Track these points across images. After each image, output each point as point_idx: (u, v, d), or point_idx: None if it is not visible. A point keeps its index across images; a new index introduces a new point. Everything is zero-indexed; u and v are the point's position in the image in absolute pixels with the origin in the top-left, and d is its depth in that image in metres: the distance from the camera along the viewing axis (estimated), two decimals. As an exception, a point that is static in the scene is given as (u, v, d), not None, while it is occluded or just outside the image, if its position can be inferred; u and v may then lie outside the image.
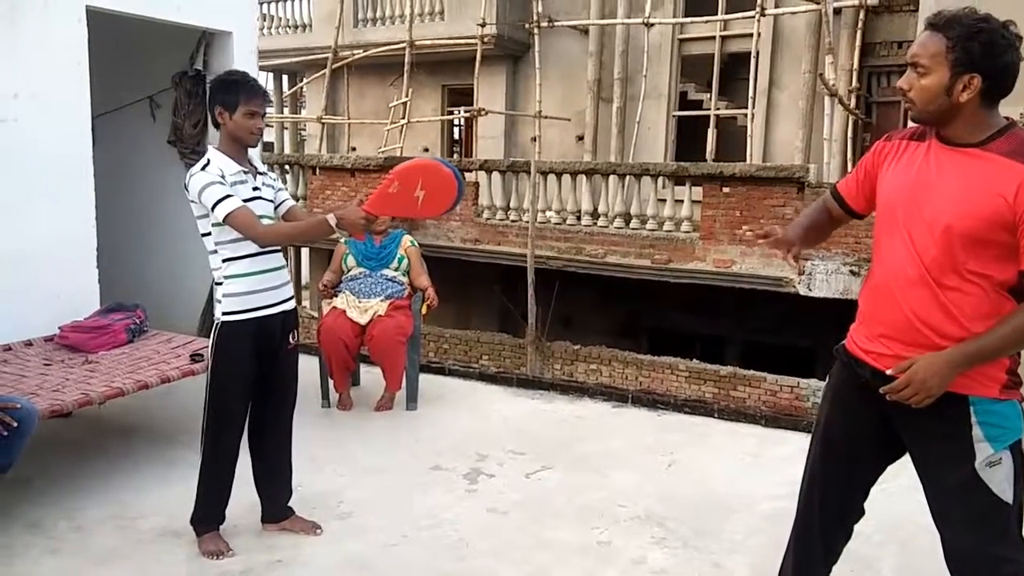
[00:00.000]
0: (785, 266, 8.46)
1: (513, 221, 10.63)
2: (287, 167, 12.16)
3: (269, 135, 18.66)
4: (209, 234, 2.75)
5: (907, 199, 1.89)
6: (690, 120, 12.80)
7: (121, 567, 2.77)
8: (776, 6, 10.96)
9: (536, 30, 10.86)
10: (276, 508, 3.03)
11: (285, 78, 18.19)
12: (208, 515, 2.88)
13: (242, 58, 4.98)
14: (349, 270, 4.69)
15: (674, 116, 12.93)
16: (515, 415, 4.55)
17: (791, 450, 3.81)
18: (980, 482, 1.85)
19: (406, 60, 12.99)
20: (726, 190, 8.91)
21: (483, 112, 12.44)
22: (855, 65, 11.59)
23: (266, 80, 18.19)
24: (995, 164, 1.77)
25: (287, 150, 17.73)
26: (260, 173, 2.87)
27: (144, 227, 5.41)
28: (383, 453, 3.88)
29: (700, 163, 9.95)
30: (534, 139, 10.56)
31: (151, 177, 5.39)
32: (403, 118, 13.06)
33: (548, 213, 10.28)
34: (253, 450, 2.98)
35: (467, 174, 11.18)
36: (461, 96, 15.09)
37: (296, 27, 16.65)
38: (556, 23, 11.48)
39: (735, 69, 12.44)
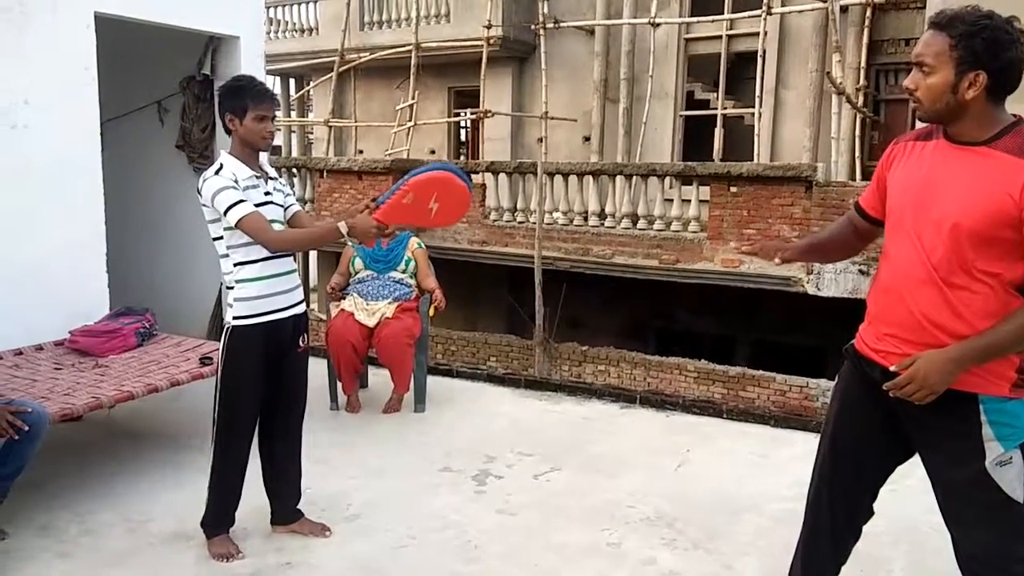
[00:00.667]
0: (793, 266, 8.43)
1: (520, 222, 10.63)
2: (295, 170, 12.19)
3: (277, 139, 18.73)
4: (220, 238, 2.76)
5: (914, 199, 1.88)
6: (697, 120, 12.77)
7: (131, 570, 2.79)
8: (783, 5, 10.93)
9: (542, 31, 10.85)
10: (285, 510, 3.03)
11: (292, 82, 18.27)
12: (218, 518, 2.89)
13: (249, 62, 5.00)
14: (357, 272, 4.70)
15: (681, 116, 12.91)
16: (523, 416, 4.55)
17: (800, 450, 3.80)
18: (990, 481, 1.84)
19: (412, 62, 13.01)
20: (733, 190, 8.88)
21: (489, 114, 12.45)
22: (863, 63, 11.54)
23: (273, 84, 18.28)
24: (1002, 162, 1.76)
25: (295, 153, 17.79)
26: (271, 178, 2.88)
27: (153, 231, 5.44)
28: (391, 455, 3.89)
29: (707, 163, 9.93)
30: (540, 140, 10.56)
31: (160, 182, 5.42)
32: (410, 120, 13.08)
33: (555, 214, 10.27)
34: (263, 453, 2.99)
35: (474, 176, 11.19)
36: (467, 98, 15.10)
37: (303, 31, 16.70)
38: (562, 24, 11.47)
39: (742, 68, 12.41)
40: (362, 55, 14.16)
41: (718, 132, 11.13)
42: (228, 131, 2.78)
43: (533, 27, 11.53)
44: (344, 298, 4.65)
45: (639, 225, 9.70)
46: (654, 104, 12.03)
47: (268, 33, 15.82)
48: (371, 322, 4.46)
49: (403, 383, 4.51)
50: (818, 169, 8.78)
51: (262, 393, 2.87)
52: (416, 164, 10.49)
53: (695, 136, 12.75)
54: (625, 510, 3.28)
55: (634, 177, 9.80)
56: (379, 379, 4.84)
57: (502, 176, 10.78)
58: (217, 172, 2.72)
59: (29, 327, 3.91)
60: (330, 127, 14.30)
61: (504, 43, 13.41)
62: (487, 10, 12.36)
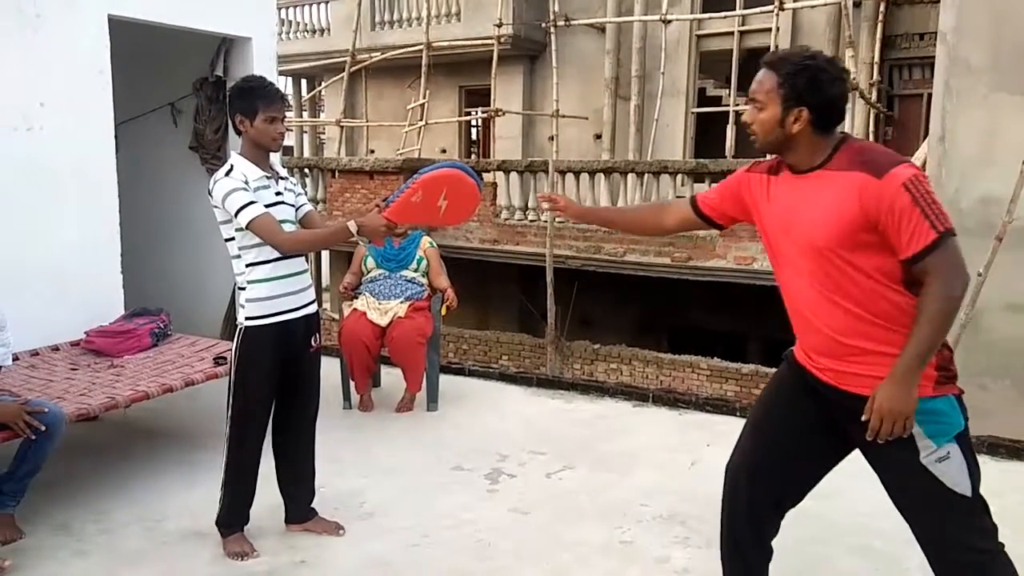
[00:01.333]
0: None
1: (532, 221, 10.63)
2: (307, 170, 12.24)
3: (289, 139, 18.82)
4: (232, 239, 2.77)
5: (779, 233, 2.03)
6: (709, 117, 12.73)
7: (147, 568, 2.81)
8: (795, 0, 10.86)
9: (553, 29, 10.83)
10: (299, 509, 3.05)
11: (304, 82, 18.33)
12: (232, 517, 2.90)
13: (261, 63, 5.02)
14: (369, 272, 4.72)
15: (692, 113, 12.87)
16: (535, 415, 4.55)
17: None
18: (932, 477, 1.90)
19: (423, 62, 13.03)
20: (746, 187, 8.83)
21: (500, 112, 12.45)
22: (876, 58, 11.46)
23: (285, 84, 18.35)
24: (837, 179, 1.90)
25: (306, 153, 17.86)
26: (282, 178, 2.89)
27: (167, 232, 5.47)
28: (404, 454, 3.90)
29: (719, 160, 9.90)
30: (552, 138, 10.54)
31: (174, 183, 5.46)
32: (421, 120, 13.10)
33: (566, 213, 10.25)
34: (277, 452, 3.01)
35: (485, 175, 11.19)
36: (478, 97, 15.11)
37: (314, 31, 16.76)
38: (573, 22, 11.44)
39: (754, 64, 12.27)
40: (373, 55, 14.19)
41: (730, 129, 11.08)
42: (239, 132, 2.79)
43: (544, 25, 11.51)
44: (356, 297, 4.66)
45: (651, 223, 9.67)
46: (665, 101, 11.99)
47: (280, 34, 15.88)
48: (383, 321, 4.47)
49: (416, 382, 4.52)
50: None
51: (275, 393, 2.88)
52: (427, 163, 10.51)
53: (707, 133, 12.70)
54: (638, 508, 3.28)
55: (646, 175, 9.78)
56: (392, 378, 4.86)
57: (513, 175, 10.78)
58: (227, 174, 2.73)
59: (45, 328, 3.95)
60: (342, 127, 14.34)
61: (515, 41, 13.41)
62: (498, 9, 12.36)
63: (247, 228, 2.67)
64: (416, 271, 4.68)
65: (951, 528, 1.93)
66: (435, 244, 4.88)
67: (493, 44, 12.31)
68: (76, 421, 3.13)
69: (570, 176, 10.29)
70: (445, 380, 4.84)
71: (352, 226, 2.64)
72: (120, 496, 3.35)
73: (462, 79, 15.16)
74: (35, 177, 4.00)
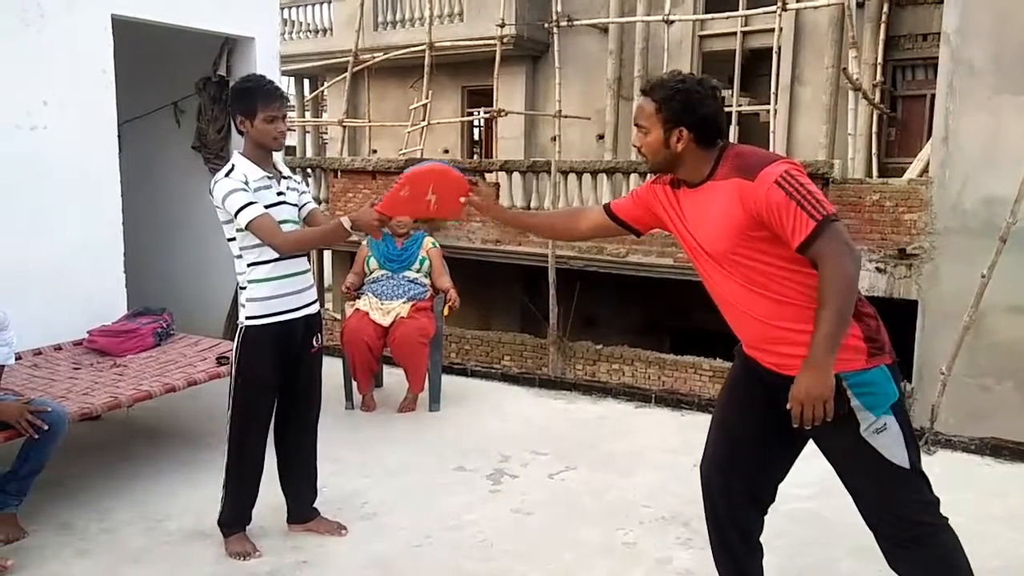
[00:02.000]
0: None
1: (534, 221, 10.62)
2: (309, 170, 12.25)
3: (291, 139, 18.84)
4: (233, 239, 2.77)
5: (689, 244, 2.17)
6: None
7: (150, 568, 2.81)
8: (798, 0, 10.85)
9: (555, 29, 10.83)
10: (302, 509, 3.05)
11: (307, 82, 18.35)
12: (235, 516, 2.91)
13: (265, 63, 5.03)
14: (371, 272, 4.72)
15: (695, 113, 12.84)
16: (538, 415, 4.55)
17: (815, 449, 3.76)
18: (871, 449, 1.97)
19: (426, 62, 13.03)
20: (749, 187, 8.82)
21: (503, 113, 12.45)
22: (879, 59, 11.45)
23: (288, 84, 18.37)
24: (722, 188, 2.03)
25: (309, 153, 17.87)
26: (284, 177, 2.89)
27: (170, 232, 5.48)
28: (407, 454, 3.90)
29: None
30: (554, 139, 10.54)
31: (176, 182, 5.46)
32: (423, 120, 13.10)
33: (569, 213, 10.25)
34: (279, 452, 3.01)
35: (487, 175, 11.20)
36: (481, 97, 15.12)
37: (317, 31, 16.78)
38: (575, 22, 11.44)
39: (757, 65, 12.34)
40: (376, 55, 14.20)
41: (733, 129, 11.07)
42: (240, 132, 2.79)
43: (546, 25, 11.51)
44: (359, 298, 4.67)
45: (653, 223, 9.67)
46: (668, 102, 11.97)
47: (282, 34, 15.89)
48: (386, 321, 4.47)
49: (418, 382, 4.52)
50: (834, 166, 8.71)
51: (277, 393, 2.88)
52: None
53: (710, 134, 12.68)
54: (640, 509, 3.27)
55: (648, 176, 9.77)
56: (394, 378, 4.86)
57: (516, 175, 10.78)
58: (228, 174, 2.73)
59: (48, 327, 3.95)
60: (344, 127, 14.34)
61: (517, 42, 13.41)
62: (500, 9, 12.36)
63: (246, 229, 2.67)
64: (419, 271, 4.68)
65: (891, 501, 2.00)
66: (438, 244, 4.88)
67: (496, 44, 12.31)
68: (79, 420, 3.14)
69: (572, 176, 10.28)
70: (447, 380, 4.84)
71: (346, 222, 2.66)
72: (122, 495, 3.35)
73: (465, 79, 15.17)
74: (38, 176, 4.00)
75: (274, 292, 2.78)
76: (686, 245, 2.20)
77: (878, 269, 8.27)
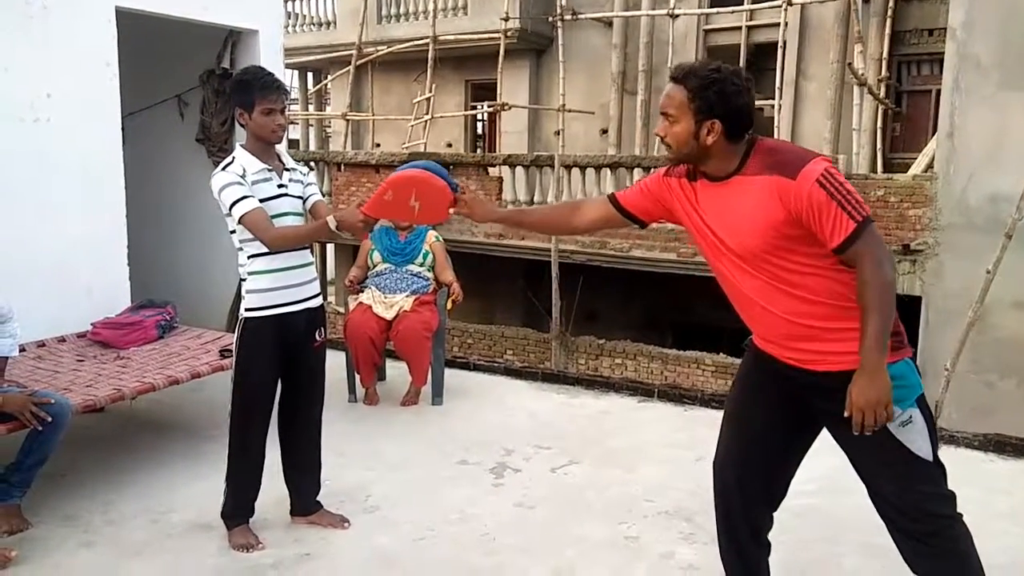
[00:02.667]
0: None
1: (537, 216, 10.60)
2: (312, 164, 12.24)
3: (295, 132, 18.83)
4: (234, 231, 2.77)
5: (707, 240, 2.10)
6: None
7: (153, 560, 2.82)
8: (803, -5, 10.81)
9: (560, 23, 10.81)
10: (305, 502, 3.05)
11: (310, 75, 18.33)
12: (237, 509, 2.91)
13: (268, 56, 5.02)
14: (375, 266, 4.71)
15: (699, 108, 12.82)
16: (540, 410, 4.55)
17: (818, 445, 3.76)
18: (897, 442, 1.94)
19: (430, 55, 13.01)
20: (753, 182, 8.80)
21: (506, 107, 12.43)
22: (885, 54, 11.40)
23: (291, 78, 18.35)
24: (755, 184, 1.97)
25: (312, 147, 17.86)
26: (288, 169, 2.88)
27: (174, 224, 5.48)
28: (409, 448, 3.90)
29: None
30: (558, 133, 10.53)
31: (180, 175, 5.46)
32: (427, 113, 13.09)
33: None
34: (283, 445, 3.01)
35: (491, 169, 11.18)
36: (484, 91, 15.09)
37: (321, 24, 16.76)
38: (580, 16, 11.42)
39: (762, 59, 12.29)
40: (379, 48, 14.18)
41: (737, 124, 11.03)
42: (240, 125, 2.79)
43: (551, 19, 11.49)
44: (362, 291, 4.67)
45: (657, 218, 9.65)
46: (672, 96, 11.94)
47: (286, 27, 15.86)
48: (389, 315, 4.47)
49: (421, 376, 4.52)
50: (839, 161, 8.69)
51: (277, 385, 2.88)
52: (431, 157, 10.50)
53: (714, 128, 12.65)
54: (643, 504, 3.27)
55: (652, 170, 9.75)
56: (397, 372, 4.86)
57: (519, 169, 10.76)
58: (225, 167, 2.73)
59: (51, 319, 3.96)
60: (347, 120, 14.34)
61: (521, 35, 13.38)
62: (504, 2, 12.33)
63: (240, 222, 2.67)
64: (422, 265, 4.68)
65: (912, 493, 1.98)
66: (441, 238, 4.87)
67: (500, 38, 12.29)
68: (82, 412, 3.14)
69: (576, 171, 10.27)
70: (450, 374, 4.84)
71: (331, 221, 2.65)
72: (126, 487, 3.35)
73: (468, 73, 15.14)
74: (42, 169, 4.00)
75: (274, 284, 2.78)
76: (703, 240, 2.13)
77: (882, 265, 8.24)
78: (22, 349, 3.48)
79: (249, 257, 2.78)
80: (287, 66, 12.99)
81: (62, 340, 3.99)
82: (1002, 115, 7.72)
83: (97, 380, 3.41)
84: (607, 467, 3.68)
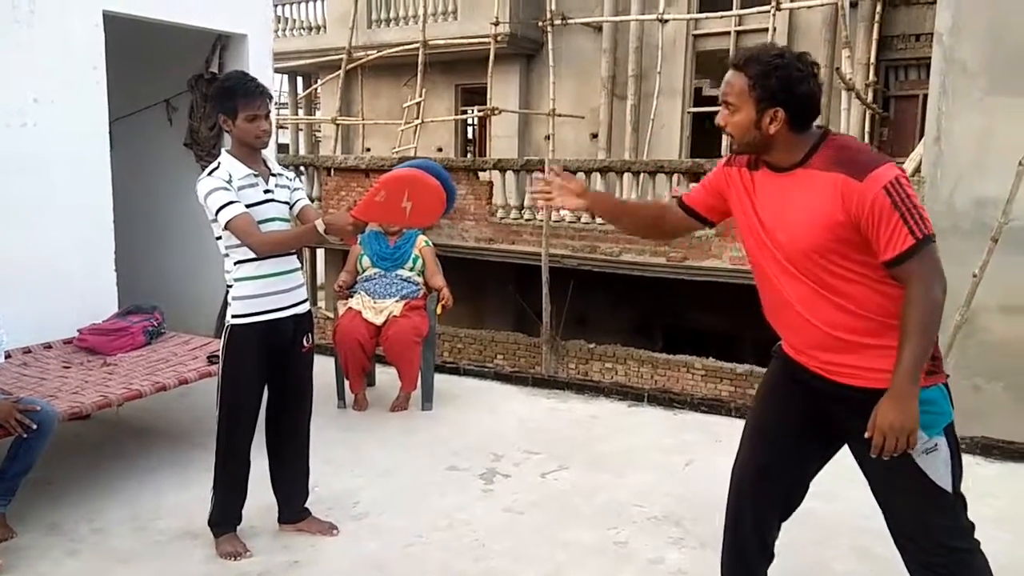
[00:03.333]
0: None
1: (527, 220, 10.62)
2: (302, 168, 12.21)
3: (284, 137, 18.78)
4: (220, 237, 2.76)
5: (754, 234, 2.01)
6: (705, 116, 12.73)
7: (140, 568, 2.79)
8: (791, 0, 10.87)
9: (549, 28, 10.83)
10: (293, 509, 3.04)
11: (300, 80, 18.30)
12: (225, 516, 2.89)
13: (257, 61, 5.01)
14: (364, 271, 4.70)
15: (689, 112, 12.88)
16: (530, 415, 4.54)
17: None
18: (919, 470, 1.87)
19: (420, 60, 13.01)
20: (742, 187, 8.84)
21: (497, 111, 12.44)
22: (872, 59, 11.47)
23: (280, 82, 18.31)
24: (818, 179, 1.87)
25: (302, 151, 17.81)
26: (274, 174, 2.87)
27: (161, 230, 5.45)
28: (399, 453, 3.88)
29: (716, 159, 9.88)
30: (548, 137, 10.54)
31: (168, 180, 5.43)
32: (417, 118, 13.08)
33: (562, 212, 10.24)
34: (271, 452, 2.99)
35: (481, 173, 11.18)
36: (475, 95, 15.10)
37: (310, 29, 16.73)
38: (570, 21, 11.44)
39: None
40: (369, 53, 14.17)
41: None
42: (225, 131, 2.77)
43: (541, 24, 11.50)
44: (351, 296, 4.65)
45: (647, 223, 9.67)
46: (662, 101, 12.00)
47: (275, 31, 15.83)
48: (378, 320, 4.46)
49: (410, 381, 4.50)
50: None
51: (263, 392, 2.87)
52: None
53: (703, 133, 12.71)
54: (632, 509, 3.27)
55: (642, 174, 9.78)
56: (386, 377, 4.84)
57: (509, 174, 10.77)
58: (211, 173, 2.72)
59: (38, 325, 3.93)
60: (337, 125, 14.31)
61: (511, 40, 13.40)
62: (494, 7, 12.35)
63: (226, 228, 2.66)
64: (412, 270, 4.67)
65: (929, 524, 1.91)
66: (431, 243, 4.86)
67: (490, 42, 12.30)
68: (68, 420, 3.12)
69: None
70: (440, 379, 4.83)
71: (320, 225, 2.63)
72: (113, 495, 3.33)
73: (458, 77, 15.14)
74: (28, 173, 3.97)
75: (260, 290, 2.76)
76: (749, 235, 2.02)
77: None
78: (8, 356, 3.46)
79: (235, 263, 2.76)
80: (276, 70, 12.97)
81: (48, 346, 3.96)
82: (989, 120, 7.77)
83: (84, 387, 3.38)
84: (596, 472, 3.67)
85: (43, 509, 3.16)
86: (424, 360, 4.53)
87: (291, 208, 2.90)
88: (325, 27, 16.38)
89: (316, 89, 17.06)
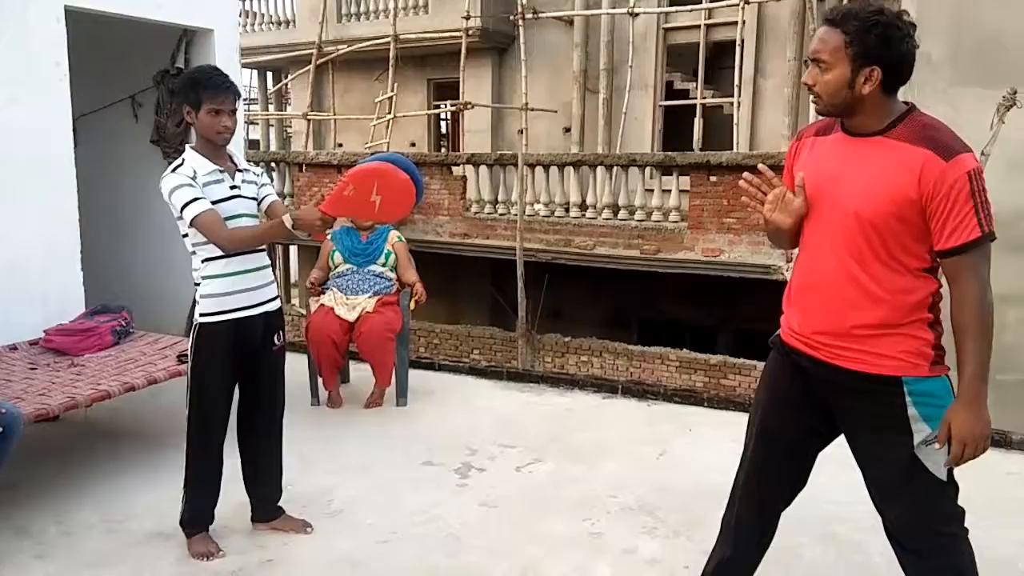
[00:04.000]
0: (773, 254, 8.48)
1: (501, 214, 10.61)
2: (273, 164, 12.09)
3: (255, 132, 18.57)
4: (187, 235, 2.72)
5: (824, 193, 1.92)
6: (676, 110, 12.80)
7: (111, 570, 2.76)
8: (760, -6, 10.94)
9: (521, 22, 10.81)
10: (266, 508, 3.02)
11: (269, 75, 18.07)
12: (196, 516, 2.86)
13: (224, 55, 4.94)
14: (336, 267, 4.67)
15: (660, 106, 12.92)
16: (506, 409, 4.55)
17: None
18: (918, 463, 1.88)
19: (391, 54, 12.93)
20: (713, 179, 8.92)
21: (469, 106, 12.40)
22: (840, 52, 11.54)
23: (250, 77, 18.11)
24: (898, 150, 1.81)
25: (273, 147, 17.62)
26: (240, 170, 2.83)
27: (128, 228, 5.37)
28: (373, 450, 3.87)
29: (687, 152, 9.96)
30: (521, 132, 10.53)
31: (135, 177, 5.34)
32: (389, 113, 13.00)
33: (536, 206, 10.27)
34: (243, 451, 2.97)
35: (454, 168, 11.15)
36: (447, 90, 15.02)
37: (279, 23, 16.52)
38: (541, 14, 11.43)
39: (720, 58, 12.44)
40: (340, 47, 14.05)
41: (697, 122, 11.15)
42: (189, 124, 2.74)
43: (512, 18, 11.48)
44: (324, 293, 4.62)
45: (620, 216, 9.73)
46: (634, 94, 12.03)
47: (243, 26, 15.66)
48: (351, 316, 4.43)
49: (385, 377, 4.49)
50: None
51: (233, 391, 2.84)
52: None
53: (675, 126, 12.77)
54: (607, 500, 3.30)
55: (615, 168, 9.81)
56: (360, 374, 4.83)
57: (483, 168, 10.75)
58: (175, 169, 2.68)
59: (3, 326, 3.85)
60: (309, 120, 14.19)
61: (483, 34, 13.35)
62: (465, 1, 12.30)
63: (192, 225, 2.62)
64: (384, 265, 4.65)
65: (923, 511, 1.93)
66: (403, 238, 4.85)
67: (461, 37, 12.26)
68: (35, 422, 3.06)
69: (539, 169, 10.29)
70: (415, 375, 4.82)
71: (287, 220, 2.61)
72: (82, 497, 3.28)
73: (430, 72, 15.06)
74: (-11, 172, 3.89)
75: (229, 288, 2.73)
76: (811, 200, 1.92)
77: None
78: (-29, 358, 3.39)
79: (203, 261, 2.73)
80: (244, 65, 12.82)
81: (13, 348, 3.88)
82: (954, 110, 7.89)
83: (50, 388, 3.33)
84: (571, 464, 3.70)
85: (10, 512, 3.11)
86: (398, 356, 4.52)
87: (259, 204, 2.87)
88: (295, 21, 16.19)
89: (286, 84, 16.88)
